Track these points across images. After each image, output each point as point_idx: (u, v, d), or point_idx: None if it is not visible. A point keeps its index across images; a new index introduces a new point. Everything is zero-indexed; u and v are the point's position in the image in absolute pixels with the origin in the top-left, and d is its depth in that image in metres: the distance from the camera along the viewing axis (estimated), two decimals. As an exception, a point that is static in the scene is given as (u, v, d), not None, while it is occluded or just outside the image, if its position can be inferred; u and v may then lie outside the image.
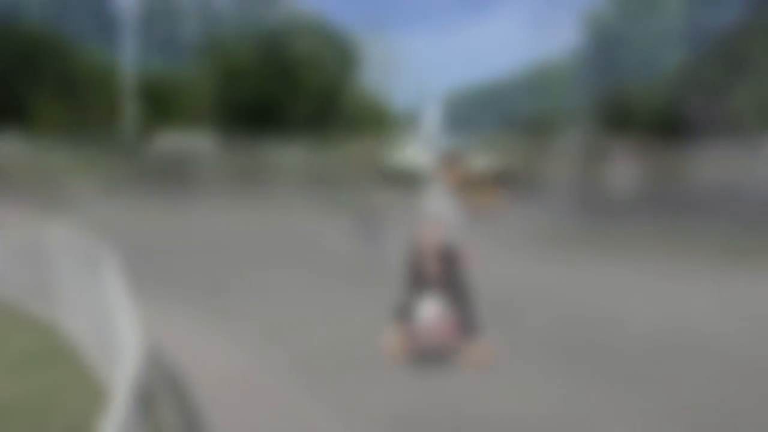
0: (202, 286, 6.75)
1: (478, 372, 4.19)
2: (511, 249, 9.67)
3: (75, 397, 3.60)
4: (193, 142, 29.19)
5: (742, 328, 5.54)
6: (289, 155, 30.89)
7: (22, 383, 3.88)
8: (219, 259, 8.37)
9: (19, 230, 6.25)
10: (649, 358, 4.60)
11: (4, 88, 29.47)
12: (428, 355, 4.32)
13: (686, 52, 54.68)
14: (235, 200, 15.70)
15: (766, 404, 3.86)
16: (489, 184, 16.24)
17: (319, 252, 9.16)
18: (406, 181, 22.40)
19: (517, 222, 13.25)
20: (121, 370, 1.97)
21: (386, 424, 3.48)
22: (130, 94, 31.45)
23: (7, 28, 32.79)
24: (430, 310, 4.33)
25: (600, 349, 4.74)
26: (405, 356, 4.38)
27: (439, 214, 4.34)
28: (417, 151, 29.16)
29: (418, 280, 4.44)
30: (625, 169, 19.79)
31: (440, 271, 4.36)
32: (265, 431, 3.39)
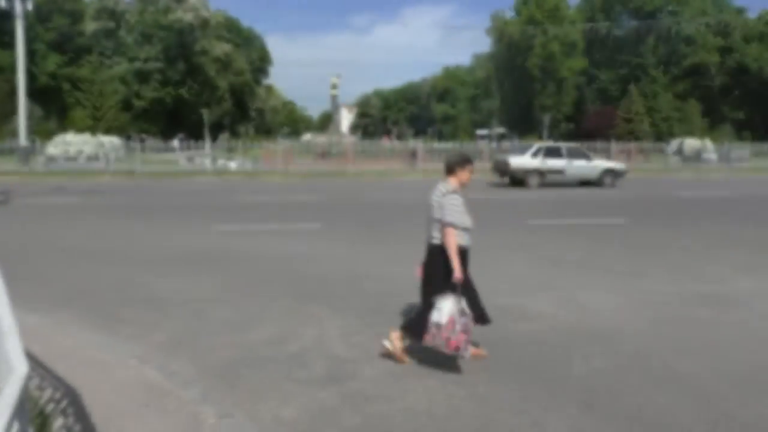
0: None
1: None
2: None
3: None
4: (94, 146, 27.65)
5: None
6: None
7: None
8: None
9: None
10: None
11: None
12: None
13: (584, 60, 57.74)
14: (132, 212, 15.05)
15: None
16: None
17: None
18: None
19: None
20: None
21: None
22: (23, 96, 29.43)
23: None
24: (449, 312, 4.26)
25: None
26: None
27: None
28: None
29: (436, 281, 4.42)
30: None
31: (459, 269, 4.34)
32: None
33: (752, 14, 69.98)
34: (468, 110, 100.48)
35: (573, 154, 21.50)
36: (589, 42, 61.42)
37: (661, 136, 47.37)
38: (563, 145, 22.83)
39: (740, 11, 69.44)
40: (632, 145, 33.14)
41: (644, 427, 3.56)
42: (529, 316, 5.69)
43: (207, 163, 28.13)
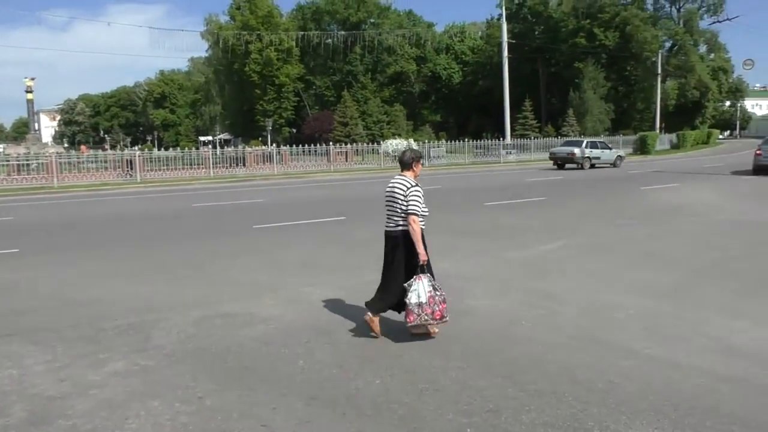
0: None
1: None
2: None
3: None
4: None
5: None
6: None
7: None
8: None
9: None
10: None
11: None
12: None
13: (300, 67, 59.32)
14: None
15: None
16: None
17: None
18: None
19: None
20: None
21: None
22: None
23: None
24: (426, 290, 4.91)
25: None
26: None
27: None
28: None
29: (409, 266, 5.10)
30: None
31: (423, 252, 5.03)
32: None
33: (439, 28, 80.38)
34: (189, 116, 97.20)
35: (603, 146, 33.02)
36: (303, 50, 64.02)
37: (374, 137, 51.64)
38: (597, 140, 34.60)
39: (430, 25, 79.10)
40: (349, 147, 35.50)
41: (360, 409, 3.87)
42: (257, 320, 5.75)
43: None
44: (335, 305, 6.24)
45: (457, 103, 76.14)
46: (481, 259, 8.58)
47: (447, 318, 5.03)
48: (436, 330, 5.18)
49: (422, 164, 5.51)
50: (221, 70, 66.26)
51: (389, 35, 66.27)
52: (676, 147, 53.85)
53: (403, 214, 5.07)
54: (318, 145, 33.85)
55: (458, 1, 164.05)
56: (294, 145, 34.47)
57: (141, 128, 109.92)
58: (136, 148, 47.20)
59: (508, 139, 42.06)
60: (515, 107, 49.24)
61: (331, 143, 34.90)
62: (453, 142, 39.27)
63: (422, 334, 5.16)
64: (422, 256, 5.01)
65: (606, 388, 4.10)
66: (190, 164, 29.41)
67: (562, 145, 33.55)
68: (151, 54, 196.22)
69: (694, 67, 61.20)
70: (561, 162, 31.60)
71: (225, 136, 77.90)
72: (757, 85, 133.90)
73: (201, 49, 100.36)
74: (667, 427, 3.55)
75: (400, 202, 5.07)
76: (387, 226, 5.29)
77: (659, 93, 55.87)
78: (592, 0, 64.12)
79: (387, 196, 5.25)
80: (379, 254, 9.01)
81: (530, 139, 42.99)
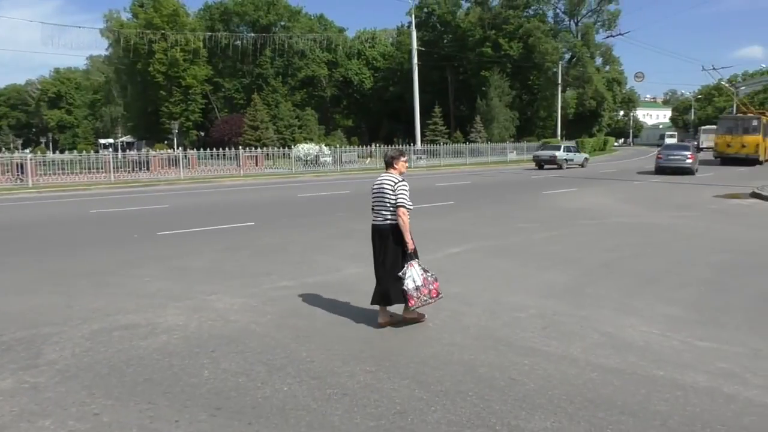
0: None
1: None
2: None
3: None
4: None
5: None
6: None
7: None
8: None
9: None
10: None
11: None
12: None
13: (208, 68, 58.19)
14: None
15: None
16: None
17: None
18: None
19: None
20: None
21: None
22: None
23: None
24: (418, 274, 5.44)
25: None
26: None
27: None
28: None
29: (403, 254, 5.49)
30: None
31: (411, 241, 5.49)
32: None
33: (351, 33, 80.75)
34: (88, 117, 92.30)
35: (575, 150, 39.20)
36: (211, 51, 62.41)
37: (286, 142, 51.10)
38: (570, 145, 40.64)
39: (341, 30, 79.34)
40: (259, 151, 34.93)
41: (267, 418, 3.82)
42: (159, 330, 5.54)
43: None
44: (242, 313, 6.11)
45: (369, 109, 76.77)
46: (391, 262, 8.67)
47: (442, 294, 5.63)
48: (426, 317, 5.75)
49: (406, 162, 5.85)
50: (123, 69, 63.44)
51: (300, 39, 65.88)
52: (575, 153, 56.75)
53: (392, 208, 5.46)
54: (227, 149, 33.09)
55: (369, 7, 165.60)
56: (202, 149, 33.51)
57: (34, 129, 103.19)
58: (28, 150, 44.25)
59: (419, 145, 42.83)
60: (425, 113, 50.26)
61: (240, 147, 34.20)
62: (365, 147, 39.54)
63: (413, 319, 5.69)
64: (410, 245, 5.47)
65: (507, 385, 4.26)
66: (89, 168, 27.91)
67: (542, 150, 39.00)
68: (44, 51, 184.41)
69: (591, 78, 64.87)
70: (543, 163, 36.47)
71: (128, 139, 74.48)
72: (648, 96, 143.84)
73: (101, 47, 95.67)
74: (563, 420, 3.73)
75: (389, 195, 5.48)
76: (375, 221, 5.67)
77: (560, 102, 58.78)
78: (497, 11, 66.66)
79: (375, 192, 5.63)
80: (289, 260, 8.95)
81: (440, 144, 44.01)
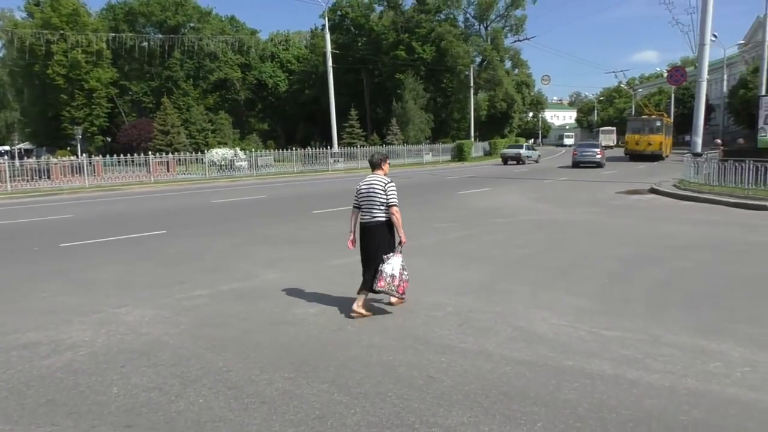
0: None
1: None
2: None
3: None
4: None
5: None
6: None
7: None
8: None
9: None
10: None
11: None
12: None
13: (113, 71, 55.94)
14: None
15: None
16: None
17: None
18: None
19: None
20: None
21: None
22: None
23: None
24: (399, 266, 5.96)
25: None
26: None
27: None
28: None
29: (383, 246, 5.99)
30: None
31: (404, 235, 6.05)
32: None
33: (264, 36, 79.59)
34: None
35: (531, 149, 47.19)
36: (115, 53, 59.73)
37: (199, 146, 49.66)
38: (528, 145, 50.35)
39: (254, 32, 78.00)
40: (171, 157, 33.75)
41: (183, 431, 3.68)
42: (63, 347, 5.23)
43: None
44: (154, 324, 5.88)
45: (285, 112, 75.93)
46: (308, 267, 8.61)
47: (405, 297, 6.21)
48: (393, 301, 6.28)
49: (388, 163, 6.36)
50: (18, 71, 59.44)
51: (211, 40, 64.28)
52: (489, 154, 58.55)
53: (382, 207, 5.93)
54: (136, 154, 31.77)
55: (282, 9, 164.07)
56: (108, 155, 31.98)
57: None
58: None
59: (336, 148, 42.81)
60: (342, 116, 50.28)
61: (150, 153, 32.92)
62: (281, 150, 39.08)
63: (388, 304, 6.33)
64: (403, 238, 6.04)
65: (426, 384, 4.32)
66: (-20, 178, 26.06)
67: (508, 149, 46.49)
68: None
69: (501, 80, 67.08)
70: (509, 160, 42.95)
71: (26, 145, 69.99)
72: (554, 98, 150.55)
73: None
74: (479, 414, 3.82)
75: (380, 195, 5.92)
76: (363, 219, 6.07)
77: (473, 104, 60.41)
78: (410, 15, 67.68)
79: (364, 193, 6.02)
80: (203, 267, 8.71)
81: (357, 147, 44.14)
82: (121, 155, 31.06)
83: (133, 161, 30.93)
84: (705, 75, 24.44)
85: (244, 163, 35.48)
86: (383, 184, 5.95)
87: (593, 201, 17.26)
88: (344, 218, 14.03)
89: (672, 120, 53.24)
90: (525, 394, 4.11)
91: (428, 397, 4.09)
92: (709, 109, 56.13)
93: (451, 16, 70.87)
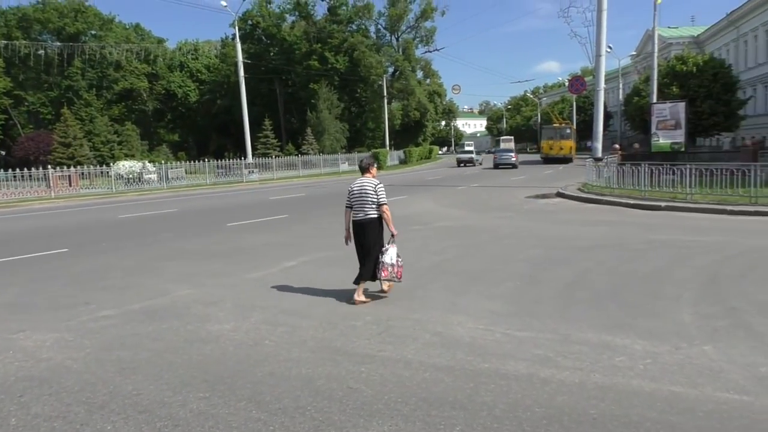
0: None
1: None
2: None
3: None
4: None
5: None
6: None
7: None
8: None
9: None
10: None
11: None
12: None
13: (6, 81, 53.03)
14: None
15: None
16: None
17: None
18: None
19: None
20: None
21: None
22: None
23: None
24: (395, 255, 6.86)
25: None
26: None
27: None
28: None
29: (378, 239, 6.87)
30: None
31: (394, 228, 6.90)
32: None
33: (172, 44, 77.22)
34: None
35: (478, 154, 56.06)
36: (9, 61, 56.13)
37: (104, 159, 47.43)
38: (476, 150, 58.57)
39: (161, 41, 75.55)
40: (73, 170, 32.00)
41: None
42: (-49, 381, 4.81)
43: None
44: (57, 349, 5.52)
45: (196, 123, 73.96)
46: (223, 281, 8.37)
47: (402, 279, 7.01)
48: (386, 288, 7.13)
49: (377, 168, 7.42)
50: None
51: (115, 49, 61.70)
52: (404, 162, 59.36)
53: (374, 205, 6.77)
54: (34, 168, 29.90)
55: (190, 18, 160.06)
56: (2, 170, 29.92)
57: None
58: None
59: (250, 159, 42.07)
60: (256, 126, 49.52)
61: (50, 166, 31.09)
62: (193, 162, 37.97)
63: (380, 291, 7.16)
64: (394, 231, 6.91)
65: (346, 395, 4.28)
66: None
67: (460, 154, 57.32)
68: None
69: (414, 90, 68.31)
70: (464, 163, 50.93)
71: None
72: (466, 107, 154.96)
73: None
74: (400, 423, 3.83)
75: (371, 195, 6.77)
76: (356, 217, 6.85)
77: (386, 113, 61.11)
78: (322, 25, 67.74)
79: (356, 194, 6.84)
80: (110, 286, 8.31)
81: (272, 157, 43.58)
82: (17, 169, 29.16)
83: (30, 175, 29.12)
84: (602, 84, 25.93)
85: (154, 176, 34.21)
86: (373, 186, 6.81)
87: (505, 206, 17.84)
88: (261, 230, 13.86)
89: (575, 127, 57.96)
90: (444, 399, 4.16)
91: (348, 408, 4.06)
92: (608, 116, 60.11)
93: (363, 26, 71.62)
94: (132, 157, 47.60)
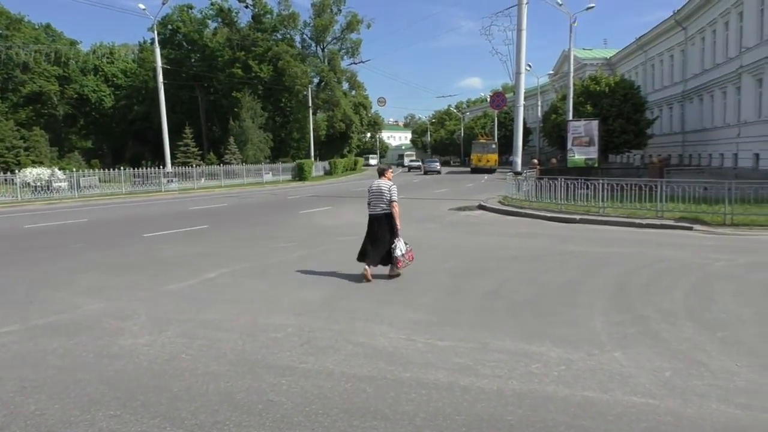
0: None
1: None
2: None
3: None
4: None
5: None
6: None
7: None
8: None
9: None
10: None
11: None
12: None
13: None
14: None
15: None
16: None
17: None
18: None
19: None
20: None
21: None
22: None
23: None
24: (403, 245, 8.62)
25: None
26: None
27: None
28: None
29: (387, 232, 8.64)
30: None
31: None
32: None
33: (85, 47, 73.95)
34: None
35: (439, 162, 69.51)
36: None
37: (9, 166, 44.69)
38: (438, 158, 76.93)
39: (73, 43, 72.20)
40: (-26, 177, 29.92)
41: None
42: None
43: None
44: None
45: (111, 129, 71.08)
46: (138, 294, 8.03)
47: (413, 261, 8.80)
48: (399, 270, 8.69)
49: (392, 172, 9.64)
50: None
51: (22, 50, 58.43)
52: (329, 173, 59.22)
53: (387, 202, 8.62)
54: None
55: (105, 20, 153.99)
56: None
57: None
58: None
59: (169, 167, 40.76)
60: (175, 134, 48.11)
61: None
62: (108, 170, 36.35)
63: (396, 275, 8.68)
64: (399, 226, 8.67)
65: (265, 408, 4.19)
66: None
67: (427, 163, 66.35)
68: None
69: (339, 101, 68.42)
70: (429, 172, 60.23)
71: None
72: (391, 119, 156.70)
73: None
74: (320, 435, 3.78)
75: (385, 194, 8.65)
76: (373, 211, 8.75)
77: (312, 124, 60.86)
78: (246, 33, 66.81)
79: (374, 192, 8.74)
80: (12, 301, 7.81)
81: (193, 167, 42.42)
82: None
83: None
84: (522, 101, 26.93)
85: (64, 184, 32.48)
86: (388, 187, 8.67)
87: (429, 217, 18.10)
88: (179, 241, 13.48)
89: (497, 141, 63.50)
90: (365, 409, 4.15)
91: (268, 422, 3.98)
92: (527, 131, 62.97)
93: (288, 36, 71.21)
94: (40, 164, 45.01)
